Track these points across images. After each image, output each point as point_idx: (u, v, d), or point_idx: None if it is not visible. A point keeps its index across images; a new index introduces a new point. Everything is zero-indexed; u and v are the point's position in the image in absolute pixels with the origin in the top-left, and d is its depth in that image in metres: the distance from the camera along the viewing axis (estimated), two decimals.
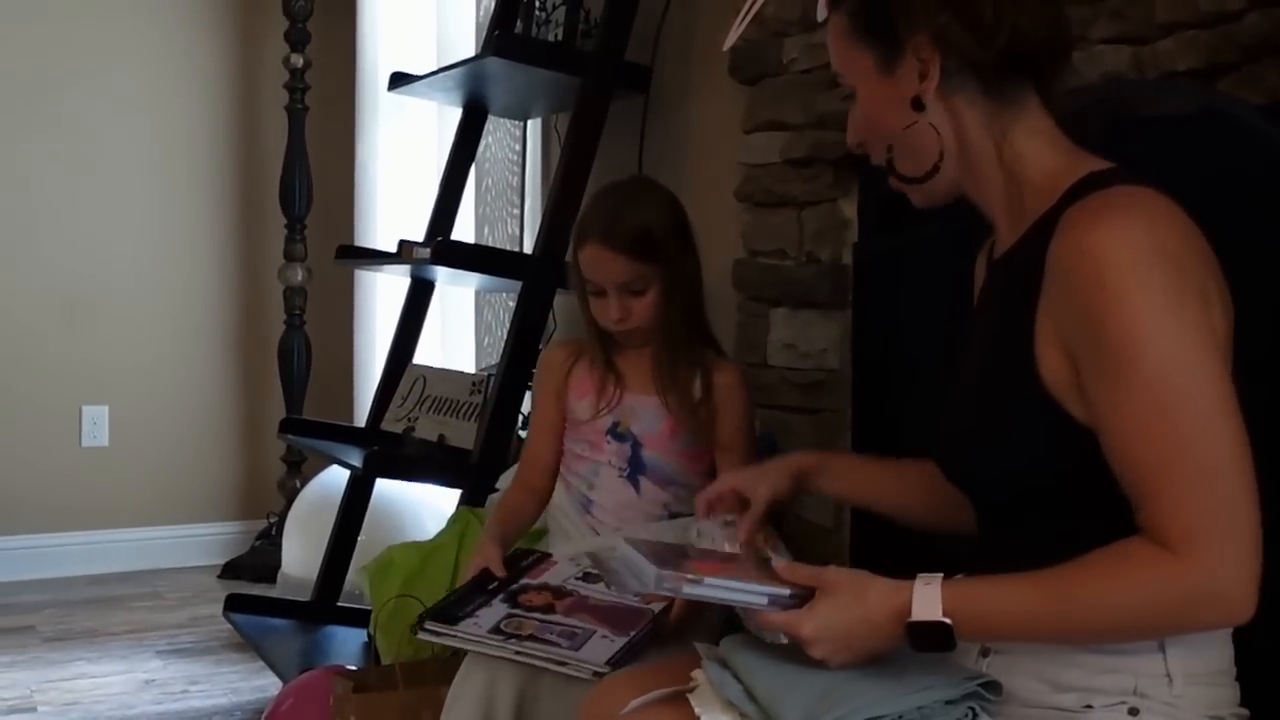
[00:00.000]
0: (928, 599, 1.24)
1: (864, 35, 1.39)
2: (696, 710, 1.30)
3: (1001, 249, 1.41)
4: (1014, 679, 1.28)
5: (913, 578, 1.27)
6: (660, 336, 2.11)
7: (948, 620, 1.22)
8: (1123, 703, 1.25)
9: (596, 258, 2.07)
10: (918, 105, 1.36)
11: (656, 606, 1.87)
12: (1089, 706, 1.26)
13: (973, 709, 1.27)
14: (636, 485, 2.14)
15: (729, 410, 2.14)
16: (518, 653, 1.77)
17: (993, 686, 1.28)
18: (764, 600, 1.30)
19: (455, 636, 1.81)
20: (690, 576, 1.30)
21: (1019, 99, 1.36)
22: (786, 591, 1.30)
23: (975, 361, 1.41)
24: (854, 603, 1.27)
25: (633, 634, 1.80)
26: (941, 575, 1.25)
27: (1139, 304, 1.18)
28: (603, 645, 1.76)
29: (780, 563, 1.35)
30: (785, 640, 1.32)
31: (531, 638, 1.79)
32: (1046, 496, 1.30)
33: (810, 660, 1.28)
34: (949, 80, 1.35)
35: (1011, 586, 1.24)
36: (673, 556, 1.40)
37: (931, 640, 1.23)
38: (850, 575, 1.32)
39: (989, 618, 1.24)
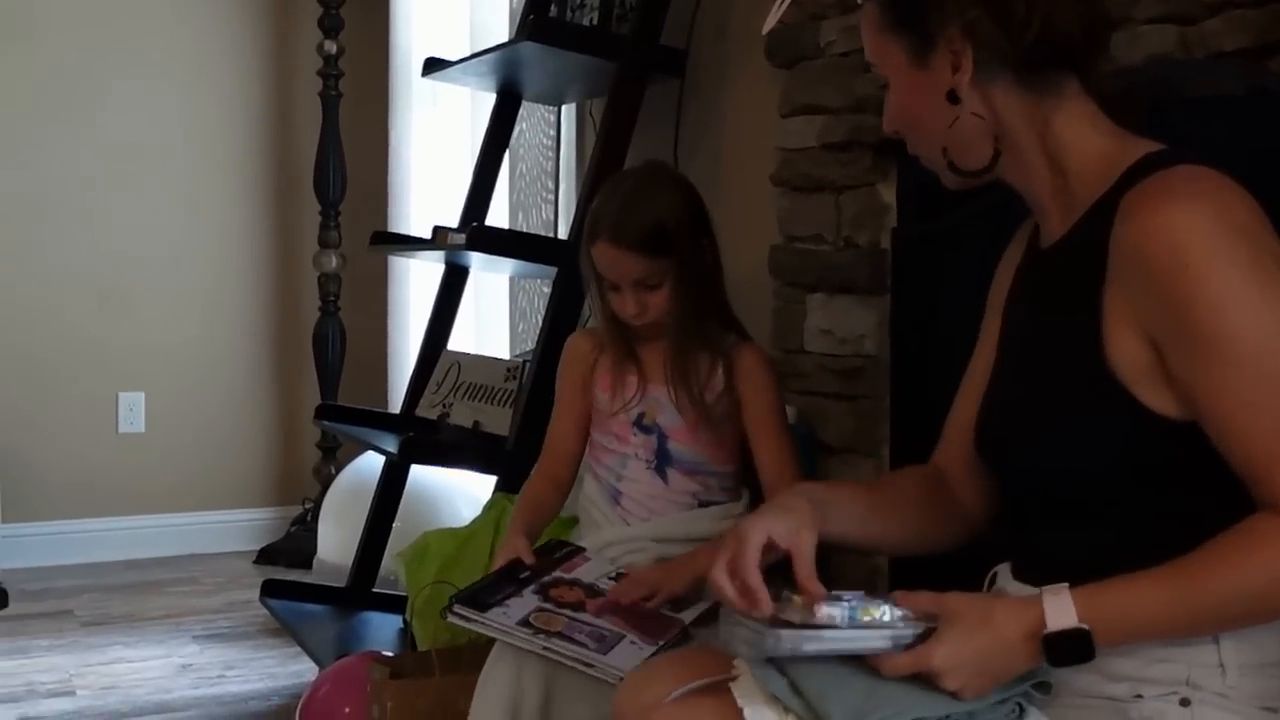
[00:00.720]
0: (1061, 608, 1.20)
1: (896, 27, 1.38)
2: (739, 702, 1.28)
3: (1050, 238, 1.39)
4: (1064, 668, 1.26)
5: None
6: (675, 330, 2.09)
7: (1085, 626, 1.19)
8: (1174, 693, 1.23)
9: (609, 256, 2.05)
10: (953, 98, 1.34)
11: (688, 616, 1.85)
12: (1139, 696, 1.24)
13: (1019, 704, 1.25)
14: (664, 476, 2.12)
15: (753, 394, 2.10)
16: (545, 648, 1.76)
17: (1043, 686, 1.26)
18: (888, 643, 1.24)
19: (484, 624, 1.80)
20: (808, 634, 1.25)
21: (1058, 87, 1.34)
22: (909, 631, 1.25)
23: (1024, 351, 1.39)
24: (981, 626, 1.22)
25: (661, 642, 1.79)
26: (1066, 585, 1.22)
27: (1224, 281, 1.18)
28: (631, 651, 1.75)
29: (900, 594, 1.28)
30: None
31: (560, 635, 1.78)
32: (1112, 488, 1.28)
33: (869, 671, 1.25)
34: (983, 72, 1.33)
35: (1142, 585, 1.21)
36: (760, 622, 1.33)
37: (1070, 651, 1.20)
38: (970, 599, 1.28)
39: (1126, 619, 1.21)
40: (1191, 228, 1.19)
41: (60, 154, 4.29)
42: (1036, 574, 1.34)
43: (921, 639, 1.24)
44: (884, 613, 1.26)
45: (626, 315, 2.08)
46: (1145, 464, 1.26)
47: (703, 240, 2.10)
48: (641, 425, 2.13)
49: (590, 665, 1.72)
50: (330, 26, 4.29)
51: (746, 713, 1.27)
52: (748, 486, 2.18)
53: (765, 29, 1.65)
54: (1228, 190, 1.23)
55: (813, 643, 1.24)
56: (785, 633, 1.23)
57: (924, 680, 1.23)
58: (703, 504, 2.13)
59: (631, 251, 2.03)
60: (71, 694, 3.07)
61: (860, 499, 1.55)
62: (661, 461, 2.12)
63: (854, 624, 1.25)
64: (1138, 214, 1.23)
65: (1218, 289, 1.18)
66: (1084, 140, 1.34)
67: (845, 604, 1.26)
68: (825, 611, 1.26)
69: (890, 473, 1.62)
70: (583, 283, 2.19)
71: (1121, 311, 1.24)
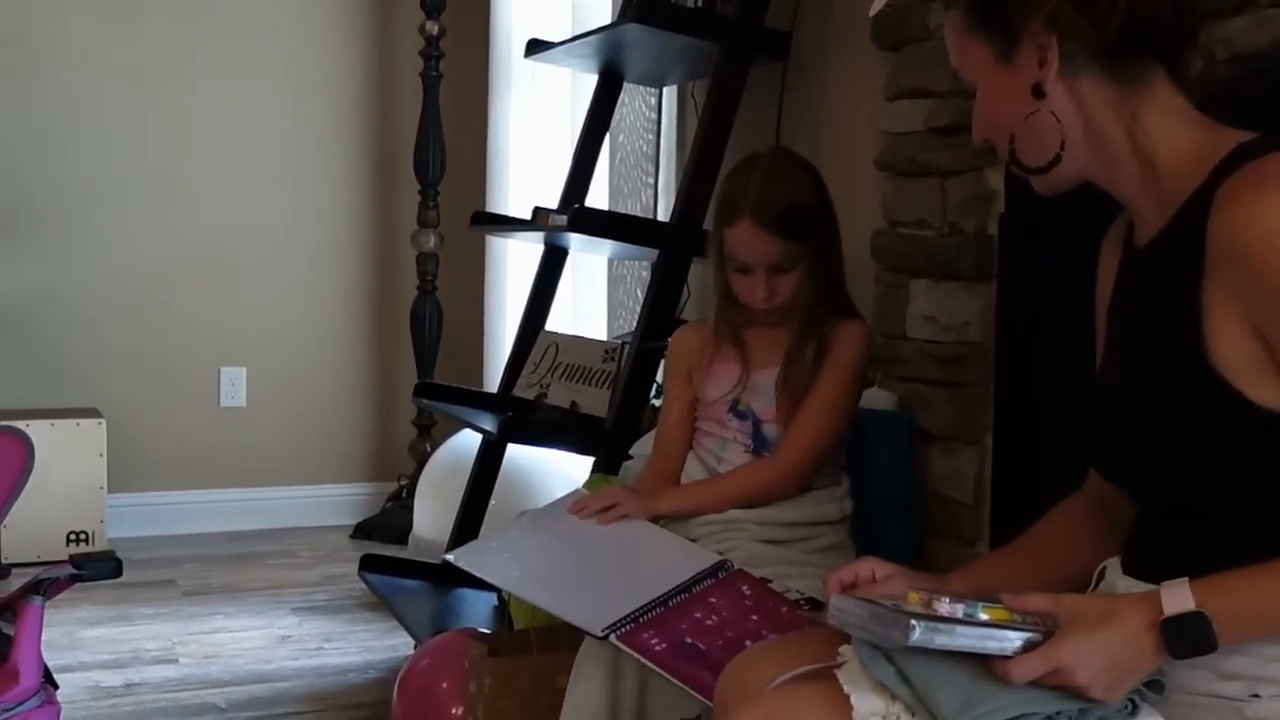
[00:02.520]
0: (1177, 595, 1.18)
1: (980, 26, 1.36)
2: (845, 689, 1.27)
3: (1145, 235, 1.36)
4: (1176, 667, 1.23)
5: None
6: (802, 313, 2.09)
7: (1203, 610, 1.17)
8: None
9: (747, 237, 2.04)
10: (1038, 92, 1.32)
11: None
12: (1256, 696, 1.22)
13: (1132, 700, 1.23)
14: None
15: (828, 364, 2.09)
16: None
17: (1156, 685, 1.24)
18: (1017, 643, 1.21)
19: None
20: (943, 627, 1.21)
21: (1146, 78, 1.31)
22: (1037, 633, 1.21)
23: (1128, 354, 1.37)
24: (1103, 622, 1.20)
25: None
26: (1185, 579, 1.20)
27: None
28: None
29: (1009, 596, 1.25)
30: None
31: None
32: (1223, 486, 1.25)
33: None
34: (1069, 64, 1.31)
35: (1261, 576, 1.18)
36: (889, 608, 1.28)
37: (1190, 639, 1.18)
38: (1088, 598, 1.26)
39: (1245, 609, 1.18)
40: None
41: (166, 134, 4.37)
42: (1147, 570, 1.32)
43: (1046, 640, 1.21)
44: (1011, 616, 1.23)
45: (755, 299, 2.07)
46: (1257, 460, 1.22)
47: (831, 227, 2.10)
48: (737, 410, 2.13)
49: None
50: (432, 7, 4.33)
51: (853, 699, 1.26)
52: (847, 472, 2.18)
53: (872, 12, 1.64)
54: None
55: (944, 636, 1.20)
56: (919, 623, 1.20)
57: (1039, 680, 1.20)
58: (804, 488, 2.12)
59: (772, 233, 2.03)
60: (175, 661, 3.14)
61: (1016, 564, 1.54)
62: (758, 445, 2.12)
63: (978, 622, 1.22)
64: (1233, 204, 1.20)
65: None
66: (1174, 133, 1.31)
67: (964, 604, 1.24)
68: (948, 607, 1.24)
69: (1042, 519, 1.58)
70: (707, 259, 2.18)
71: (1223, 306, 1.22)
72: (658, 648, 1.71)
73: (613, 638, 1.71)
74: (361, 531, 4.44)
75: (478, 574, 1.93)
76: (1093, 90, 1.32)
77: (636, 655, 1.70)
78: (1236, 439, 1.23)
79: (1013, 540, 1.59)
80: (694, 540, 2.06)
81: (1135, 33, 1.29)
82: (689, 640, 1.74)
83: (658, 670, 1.69)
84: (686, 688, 1.65)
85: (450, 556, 1.93)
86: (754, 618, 1.82)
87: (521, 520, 2.15)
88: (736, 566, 1.94)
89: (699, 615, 1.80)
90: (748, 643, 1.72)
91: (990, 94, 1.39)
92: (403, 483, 4.48)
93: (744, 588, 1.90)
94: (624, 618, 1.74)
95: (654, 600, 1.80)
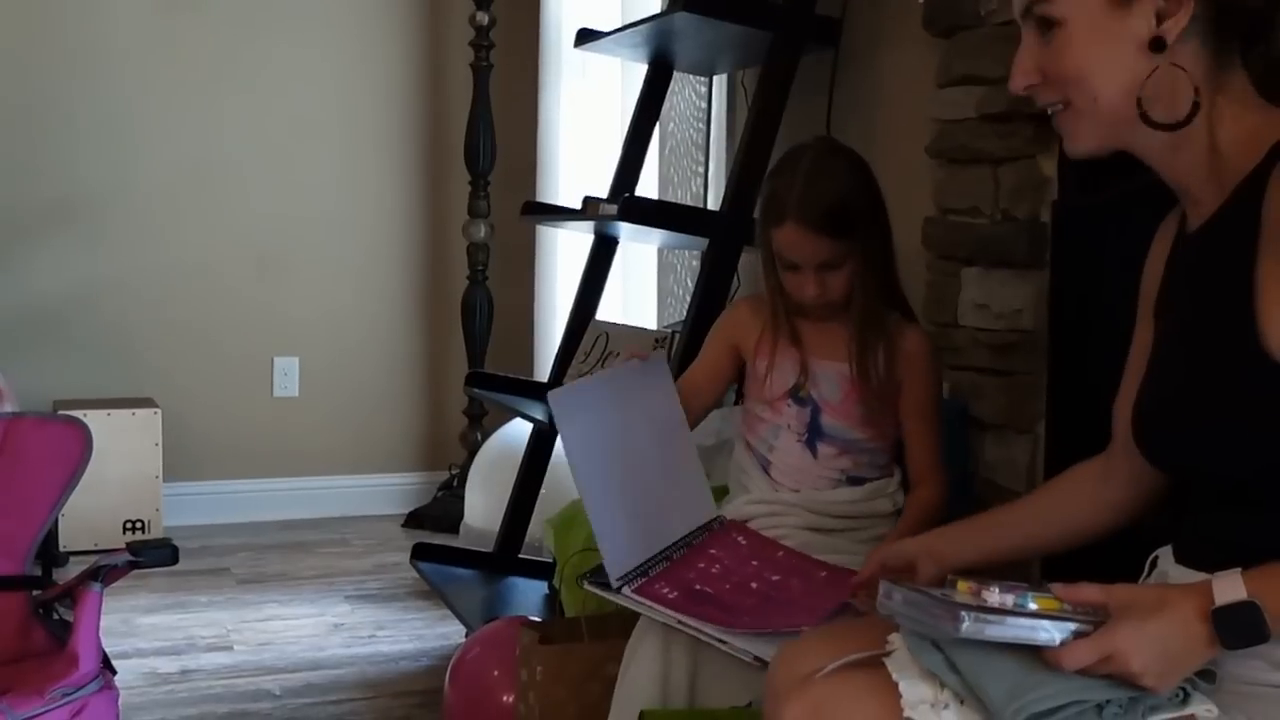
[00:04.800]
0: (1229, 585, 1.18)
1: None
2: (894, 676, 1.27)
3: (1197, 220, 1.34)
4: (1230, 656, 1.22)
5: None
6: (858, 307, 2.08)
7: (1255, 600, 1.16)
8: None
9: (795, 238, 2.03)
10: (1159, 46, 1.28)
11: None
12: None
13: (1183, 689, 1.22)
14: (814, 450, 2.12)
15: (915, 378, 2.12)
16: (680, 622, 1.75)
17: (1207, 675, 1.23)
18: (1068, 634, 1.20)
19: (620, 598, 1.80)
20: (993, 618, 1.20)
21: (1230, 58, 1.30)
22: (1088, 623, 1.21)
23: (1179, 339, 1.35)
24: (1156, 611, 1.19)
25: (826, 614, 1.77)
26: (1238, 569, 1.19)
27: None
28: (767, 637, 1.70)
29: (1059, 586, 1.25)
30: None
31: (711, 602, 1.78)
32: (1277, 472, 1.24)
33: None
34: (1191, 26, 1.28)
35: None
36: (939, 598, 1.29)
37: (1242, 629, 1.17)
38: (1140, 588, 1.26)
39: None
40: None
41: (220, 123, 4.41)
42: (1200, 558, 1.31)
43: (1097, 629, 1.20)
44: (1061, 605, 1.22)
45: (806, 297, 2.07)
46: None
47: (880, 220, 2.09)
48: (797, 397, 2.12)
49: (723, 642, 1.71)
50: None
51: (902, 686, 1.25)
52: (899, 465, 2.17)
53: None
54: None
55: (996, 627, 1.20)
56: (970, 613, 1.19)
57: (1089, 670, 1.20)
58: (853, 480, 2.12)
59: (820, 234, 2.02)
60: (229, 649, 3.17)
61: (993, 517, 1.62)
62: (813, 435, 2.12)
63: (1029, 612, 1.21)
64: None
65: None
66: (1239, 118, 1.30)
67: (1014, 593, 1.23)
68: (998, 597, 1.23)
69: (1048, 482, 1.60)
70: (758, 254, 2.17)
71: (1276, 286, 1.20)
72: (670, 596, 1.79)
73: (626, 590, 1.79)
74: (413, 520, 4.47)
75: (561, 430, 1.89)
76: (1193, 60, 1.30)
77: (650, 604, 1.77)
78: None
79: (1015, 500, 1.64)
80: (745, 521, 2.07)
81: (1240, 9, 1.27)
82: (699, 587, 1.83)
83: (672, 615, 1.75)
84: (703, 625, 1.72)
85: (549, 396, 1.87)
86: (754, 563, 1.92)
87: (631, 366, 2.06)
88: (728, 519, 2.03)
89: (703, 565, 1.90)
90: (753, 585, 1.86)
91: (1084, 38, 1.32)
92: (454, 472, 4.50)
93: (739, 538, 2.00)
94: (634, 569, 1.83)
95: (658, 554, 1.88)
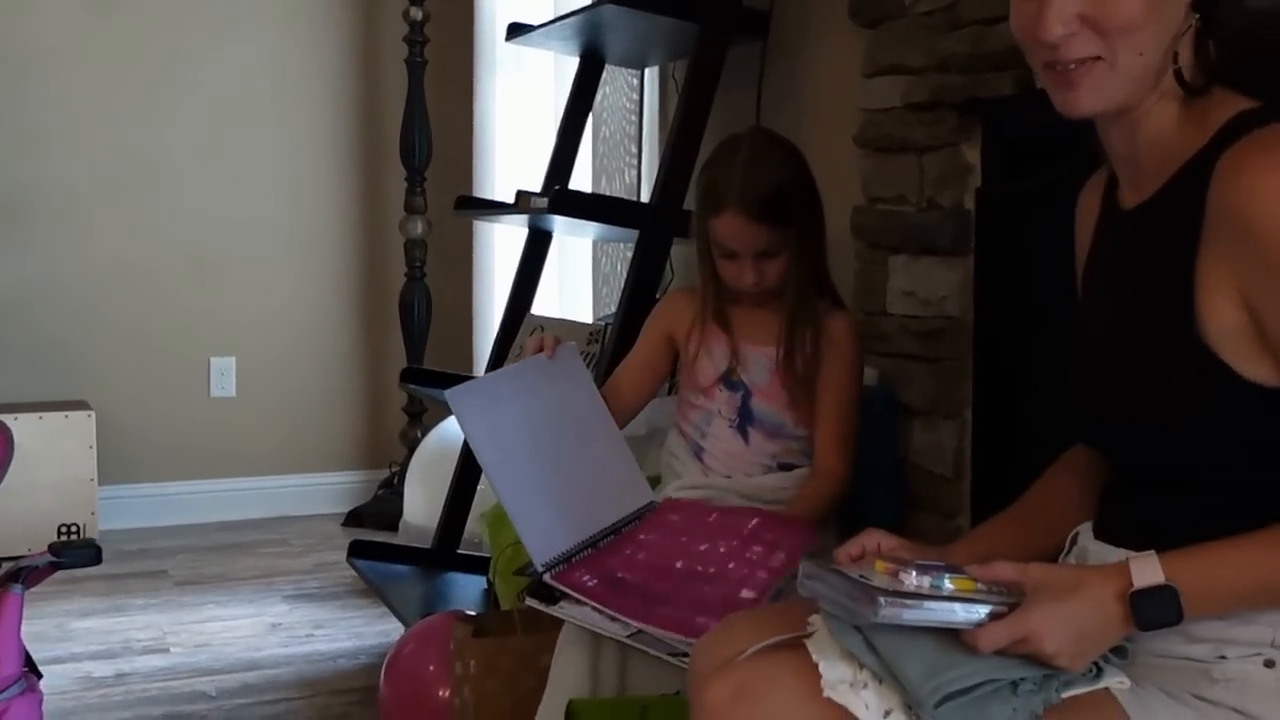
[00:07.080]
0: (1147, 568, 1.19)
1: None
2: (814, 657, 1.27)
3: (1134, 198, 1.34)
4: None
5: None
6: (791, 293, 2.09)
7: (1171, 584, 1.17)
8: (1259, 654, 1.21)
9: (734, 226, 2.05)
10: (1206, 6, 1.25)
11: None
12: (1223, 658, 1.22)
13: (1095, 664, 1.23)
14: (745, 436, 2.13)
15: (835, 360, 2.12)
16: (597, 626, 1.77)
17: (1120, 650, 1.25)
18: (985, 615, 1.21)
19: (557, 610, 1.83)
20: (910, 602, 1.21)
21: (1188, 26, 1.27)
22: (1003, 604, 1.21)
23: (1111, 316, 1.36)
24: (1071, 591, 1.20)
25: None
26: (1154, 552, 1.20)
27: None
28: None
29: (975, 567, 1.25)
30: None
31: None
32: (1205, 459, 1.25)
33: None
34: None
35: (1230, 552, 1.19)
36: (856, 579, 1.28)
37: (1158, 612, 1.18)
38: (1055, 567, 1.26)
39: (1212, 583, 1.19)
40: None
41: (152, 121, 4.36)
42: (1119, 535, 1.32)
43: (1012, 610, 1.21)
44: (976, 586, 1.23)
45: (744, 284, 2.09)
46: (1240, 434, 1.22)
47: (815, 209, 2.10)
48: (728, 381, 2.14)
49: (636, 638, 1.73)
50: None
51: (822, 667, 1.26)
52: None
53: None
54: None
55: (912, 611, 1.21)
56: (887, 599, 1.20)
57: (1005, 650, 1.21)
58: (783, 467, 2.14)
59: (759, 222, 2.03)
60: (166, 651, 3.14)
61: (1016, 530, 1.54)
62: (744, 420, 2.13)
63: (945, 595, 1.22)
64: (1239, 174, 1.18)
65: None
66: (1173, 98, 1.28)
67: (930, 575, 1.24)
68: (914, 580, 1.24)
69: (1039, 480, 1.56)
70: (693, 243, 2.18)
71: (1217, 276, 1.21)
72: (590, 584, 1.81)
73: (548, 577, 1.82)
74: (354, 519, 4.45)
75: (464, 426, 1.90)
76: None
77: (570, 591, 1.79)
78: (1219, 410, 1.22)
79: (1011, 505, 1.58)
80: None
81: None
82: (619, 575, 1.85)
83: (590, 603, 1.77)
84: (620, 616, 1.74)
85: (447, 394, 1.87)
86: (683, 539, 1.92)
87: (538, 361, 2.06)
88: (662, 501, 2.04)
89: (628, 552, 1.92)
90: (678, 564, 1.86)
91: None
92: (394, 470, 4.48)
93: (672, 516, 2.00)
94: (559, 557, 1.86)
95: (585, 542, 1.90)
